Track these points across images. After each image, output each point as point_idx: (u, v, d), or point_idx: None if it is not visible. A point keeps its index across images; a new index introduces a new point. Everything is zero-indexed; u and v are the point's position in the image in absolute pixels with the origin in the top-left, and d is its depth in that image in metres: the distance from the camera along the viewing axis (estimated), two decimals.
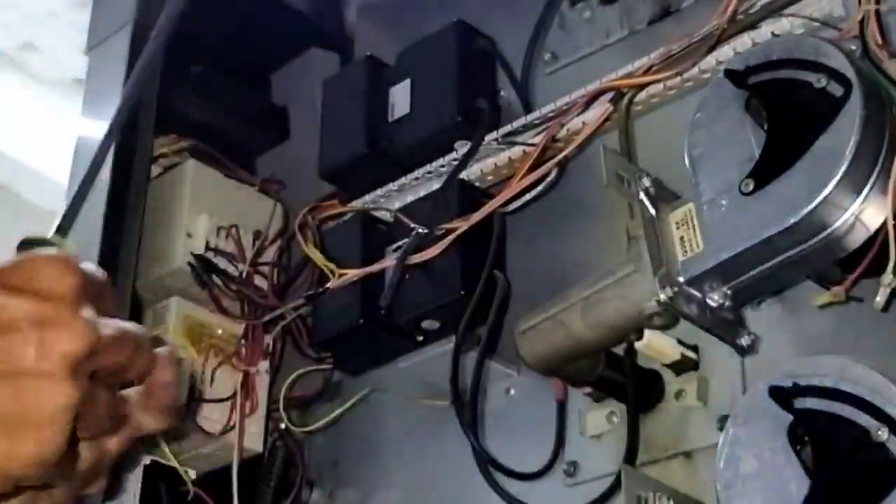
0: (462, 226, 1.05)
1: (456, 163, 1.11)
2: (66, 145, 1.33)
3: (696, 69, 0.99)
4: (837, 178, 0.79)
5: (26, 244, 0.71)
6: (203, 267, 1.16)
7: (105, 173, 1.18)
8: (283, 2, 1.41)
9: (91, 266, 0.69)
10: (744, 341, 0.88)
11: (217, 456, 1.16)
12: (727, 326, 0.87)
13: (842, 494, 0.75)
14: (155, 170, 1.26)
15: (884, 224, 0.80)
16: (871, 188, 0.80)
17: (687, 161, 0.88)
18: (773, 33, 0.96)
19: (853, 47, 0.85)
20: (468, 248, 1.05)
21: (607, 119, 1.02)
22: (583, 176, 1.09)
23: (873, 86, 0.81)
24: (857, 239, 0.81)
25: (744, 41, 0.97)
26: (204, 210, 1.20)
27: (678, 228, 0.87)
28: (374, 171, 1.17)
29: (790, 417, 0.78)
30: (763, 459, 0.78)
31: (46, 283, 0.65)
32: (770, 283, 0.86)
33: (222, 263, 1.19)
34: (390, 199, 1.17)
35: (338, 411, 1.19)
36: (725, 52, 0.97)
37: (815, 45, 0.83)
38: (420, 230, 1.06)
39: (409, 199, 1.15)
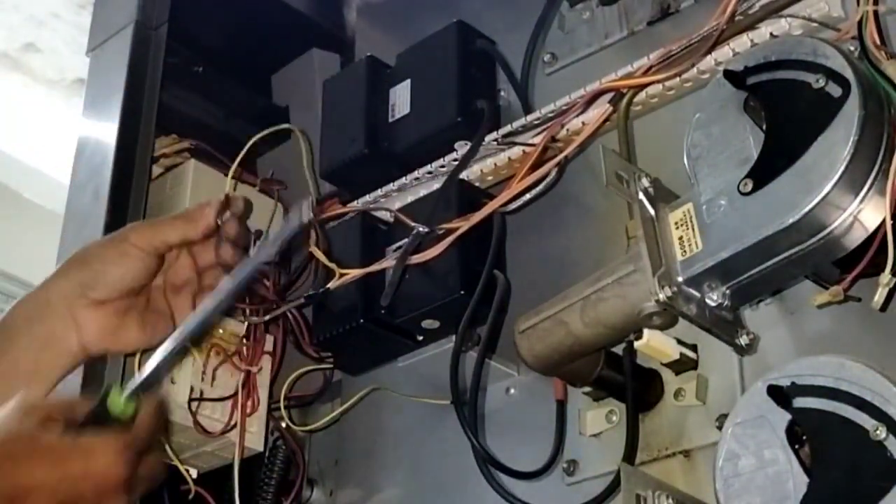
0: (462, 226, 1.05)
1: (456, 163, 1.11)
2: (67, 145, 1.33)
3: (695, 70, 1.00)
4: (836, 178, 0.79)
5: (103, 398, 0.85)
6: None
7: (106, 173, 1.19)
8: (283, 2, 1.41)
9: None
10: (742, 341, 0.88)
11: (218, 455, 1.16)
12: (726, 326, 0.87)
13: (840, 493, 0.75)
14: (156, 170, 1.26)
15: (882, 224, 0.80)
16: (870, 188, 0.80)
17: (686, 161, 0.88)
18: (771, 34, 0.96)
19: (852, 48, 0.86)
20: (468, 248, 1.05)
21: (607, 119, 1.03)
22: (583, 176, 1.09)
23: (871, 86, 0.81)
24: (855, 239, 0.81)
25: (743, 42, 0.97)
26: None
27: (677, 228, 0.87)
28: (374, 171, 1.17)
29: (789, 416, 0.78)
30: (762, 458, 0.79)
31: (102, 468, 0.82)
32: (769, 282, 0.86)
33: None
34: (390, 199, 1.17)
35: (338, 410, 1.19)
36: (724, 53, 0.98)
37: (814, 45, 0.84)
38: (420, 230, 1.06)
39: (409, 199, 1.16)
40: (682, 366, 0.95)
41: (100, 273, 0.96)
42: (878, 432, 0.74)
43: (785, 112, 0.84)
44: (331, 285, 1.11)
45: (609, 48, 1.14)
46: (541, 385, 1.04)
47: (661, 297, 0.84)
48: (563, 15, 1.18)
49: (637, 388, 0.96)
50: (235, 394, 1.16)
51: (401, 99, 1.16)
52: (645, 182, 0.90)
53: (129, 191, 1.22)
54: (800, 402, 0.78)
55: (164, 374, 0.95)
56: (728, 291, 0.85)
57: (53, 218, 1.22)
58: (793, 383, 0.79)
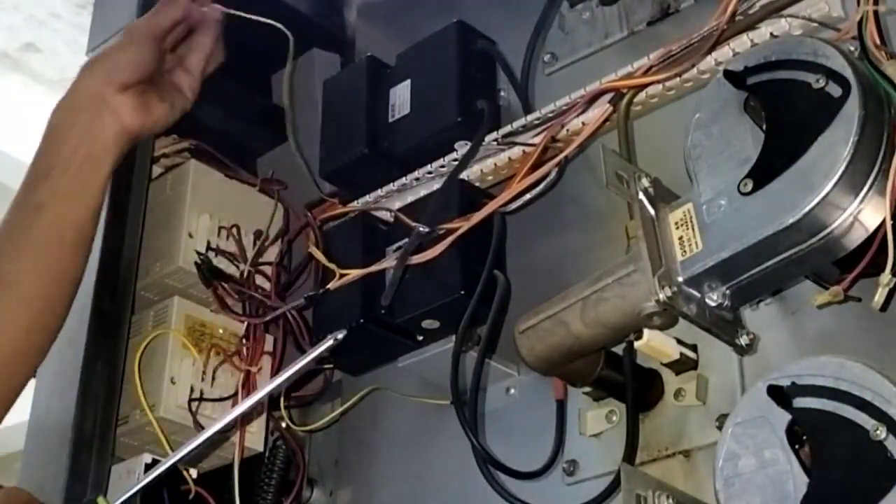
0: (462, 226, 1.05)
1: (456, 163, 1.11)
2: None
3: (695, 70, 1.00)
4: (836, 178, 0.79)
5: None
6: (208, 266, 1.17)
7: None
8: (283, 2, 1.41)
9: None
10: (742, 341, 0.88)
11: (218, 455, 1.16)
12: (726, 326, 0.87)
13: (840, 493, 0.75)
14: (156, 170, 1.26)
15: (882, 224, 0.80)
16: (870, 188, 0.80)
17: (686, 161, 0.88)
18: (771, 34, 0.96)
19: (852, 48, 0.86)
20: (468, 248, 1.05)
21: (607, 119, 1.03)
22: (583, 176, 1.09)
23: (872, 86, 0.81)
24: (855, 239, 0.81)
25: (743, 42, 0.97)
26: (205, 210, 1.20)
27: (677, 228, 0.87)
28: (374, 171, 1.17)
29: (789, 416, 0.78)
30: (762, 458, 0.79)
31: None
32: (769, 282, 0.86)
33: (223, 263, 1.19)
34: (390, 199, 1.17)
35: (338, 410, 1.19)
36: (724, 53, 0.98)
37: (814, 45, 0.84)
38: (420, 230, 1.06)
39: (409, 199, 1.16)
40: (682, 366, 0.95)
41: (117, 60, 1.10)
42: (878, 432, 0.74)
43: (785, 112, 0.84)
44: (331, 286, 1.11)
45: (609, 48, 1.14)
46: (541, 385, 1.04)
47: (661, 297, 0.85)
48: (563, 15, 1.18)
49: (637, 388, 0.96)
50: (235, 394, 1.16)
51: (401, 99, 1.16)
52: (645, 182, 0.90)
53: (129, 191, 1.23)
54: (800, 402, 0.78)
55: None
56: (728, 291, 0.85)
57: None
58: (793, 383, 0.79)
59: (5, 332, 1.00)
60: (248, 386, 1.16)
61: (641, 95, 1.03)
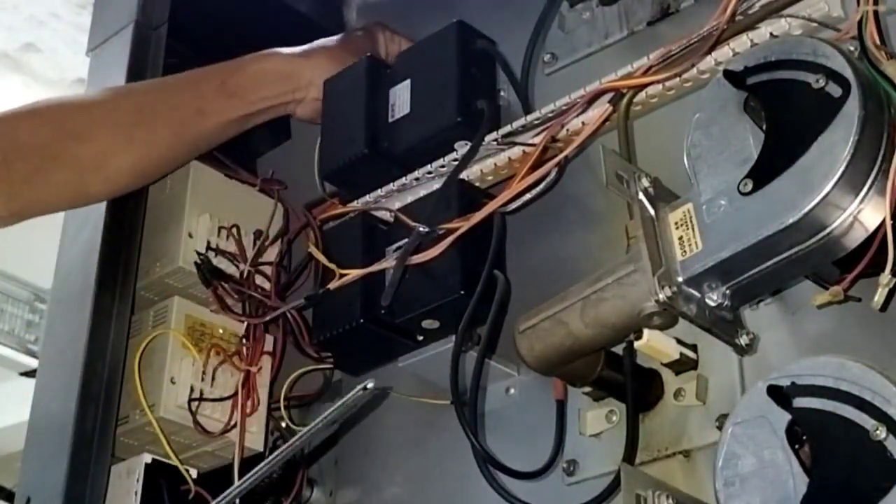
0: (462, 226, 1.05)
1: (456, 163, 1.11)
2: None
3: (694, 70, 1.00)
4: (836, 178, 0.79)
5: None
6: (208, 266, 1.17)
7: None
8: (283, 2, 1.41)
9: None
10: (742, 341, 0.88)
11: (218, 455, 1.16)
12: (726, 326, 0.87)
13: (840, 493, 0.75)
14: None
15: (882, 224, 0.80)
16: (870, 188, 0.80)
17: (686, 161, 0.88)
18: (771, 34, 0.96)
19: (851, 48, 0.86)
20: (468, 248, 1.05)
21: (607, 119, 1.03)
22: (583, 176, 1.09)
23: (871, 86, 0.81)
24: (855, 239, 0.81)
25: (743, 42, 0.97)
26: (205, 210, 1.20)
27: (677, 228, 0.87)
28: (374, 171, 1.17)
29: (788, 416, 0.78)
30: (762, 458, 0.79)
31: None
32: (769, 282, 0.86)
33: (223, 263, 1.19)
34: (390, 199, 1.17)
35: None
36: (724, 53, 0.98)
37: (814, 45, 0.84)
38: (420, 230, 1.06)
39: (409, 199, 1.16)
40: (682, 366, 0.95)
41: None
42: (878, 432, 0.74)
43: (785, 112, 0.84)
44: (331, 286, 1.11)
45: (609, 48, 1.14)
46: (541, 385, 1.04)
47: (661, 297, 0.85)
48: (563, 15, 1.18)
49: (637, 388, 0.96)
50: (235, 394, 1.16)
51: (401, 99, 1.16)
52: (645, 182, 0.90)
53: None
54: (800, 402, 0.78)
55: None
56: (728, 291, 0.85)
57: (53, 218, 1.22)
58: (793, 383, 0.79)
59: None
60: (248, 386, 1.16)
61: (641, 95, 1.03)
